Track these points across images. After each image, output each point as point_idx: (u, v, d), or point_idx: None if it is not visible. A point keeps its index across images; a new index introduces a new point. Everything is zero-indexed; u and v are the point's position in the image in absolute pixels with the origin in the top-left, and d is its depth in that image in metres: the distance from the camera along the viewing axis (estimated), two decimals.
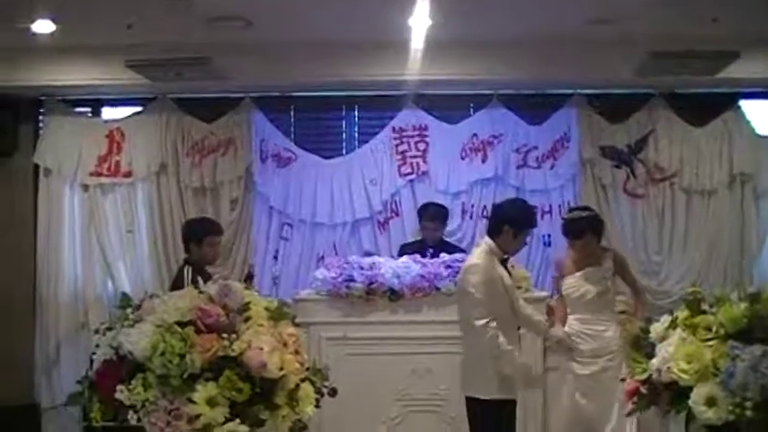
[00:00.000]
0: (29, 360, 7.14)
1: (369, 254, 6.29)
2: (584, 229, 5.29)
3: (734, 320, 2.99)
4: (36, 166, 7.28)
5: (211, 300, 2.96)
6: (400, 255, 6.22)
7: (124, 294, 3.12)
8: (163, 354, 2.77)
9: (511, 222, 4.71)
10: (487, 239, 4.74)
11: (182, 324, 2.84)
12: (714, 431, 3.09)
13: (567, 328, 5.27)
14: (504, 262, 4.84)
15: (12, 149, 7.29)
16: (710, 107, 7.12)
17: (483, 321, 4.51)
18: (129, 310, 3.00)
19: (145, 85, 6.88)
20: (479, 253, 4.72)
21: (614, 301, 5.39)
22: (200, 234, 5.63)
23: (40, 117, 7.40)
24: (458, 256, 5.84)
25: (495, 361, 4.54)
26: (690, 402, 2.95)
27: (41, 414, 7.02)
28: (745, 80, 6.76)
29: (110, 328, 2.99)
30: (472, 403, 4.67)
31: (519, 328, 4.86)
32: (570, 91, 7.12)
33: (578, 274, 5.28)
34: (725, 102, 7.11)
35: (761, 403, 2.83)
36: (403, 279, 5.65)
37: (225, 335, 2.84)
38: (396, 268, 5.71)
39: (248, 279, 6.12)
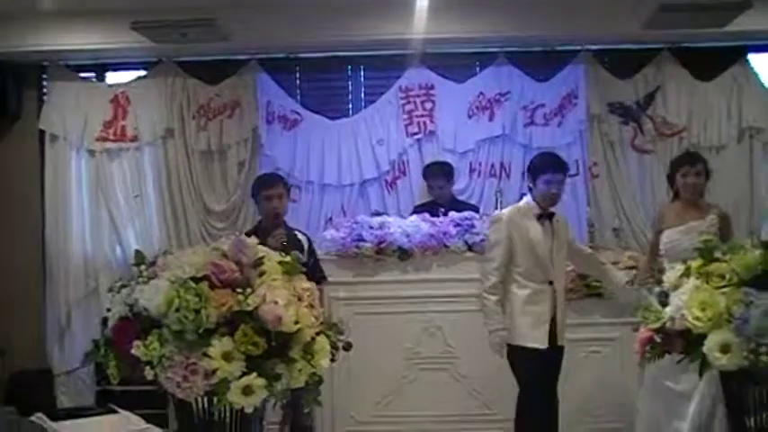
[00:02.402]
0: (41, 325, 7.16)
1: (377, 214, 6.26)
2: (701, 159, 5.17)
3: (748, 267, 3.00)
4: (42, 132, 7.26)
5: (225, 255, 2.95)
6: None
7: (138, 251, 3.12)
8: (178, 309, 2.77)
9: (529, 172, 4.85)
10: (526, 195, 4.85)
11: (196, 279, 2.85)
12: (728, 377, 3.12)
13: None
14: (542, 217, 4.71)
15: (17, 115, 7.26)
16: (719, 61, 7.03)
17: (488, 267, 4.68)
18: (143, 267, 3.00)
19: (149, 49, 6.84)
20: (509, 207, 4.87)
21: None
22: (254, 191, 5.32)
23: (44, 83, 7.35)
24: (467, 213, 5.84)
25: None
26: (704, 349, 2.96)
27: (54, 379, 7.06)
28: (753, 33, 6.67)
29: (124, 286, 3.00)
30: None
31: (552, 283, 4.70)
32: (577, 47, 7.04)
33: (680, 227, 5.01)
34: (733, 55, 7.02)
35: None
36: (412, 238, 5.66)
37: (239, 289, 2.84)
38: (405, 227, 5.72)
39: None
